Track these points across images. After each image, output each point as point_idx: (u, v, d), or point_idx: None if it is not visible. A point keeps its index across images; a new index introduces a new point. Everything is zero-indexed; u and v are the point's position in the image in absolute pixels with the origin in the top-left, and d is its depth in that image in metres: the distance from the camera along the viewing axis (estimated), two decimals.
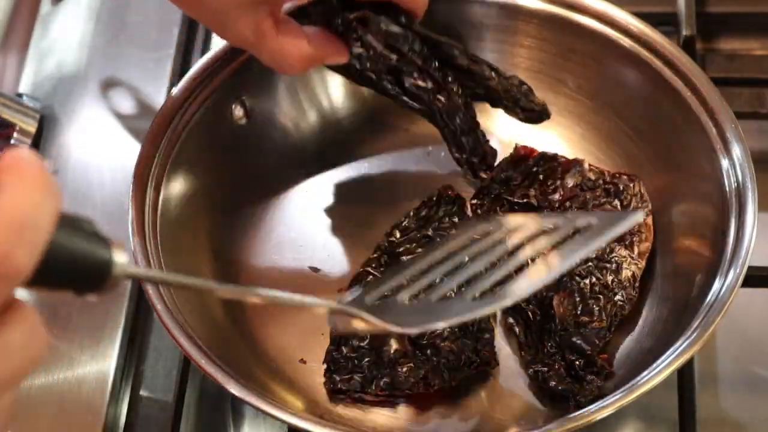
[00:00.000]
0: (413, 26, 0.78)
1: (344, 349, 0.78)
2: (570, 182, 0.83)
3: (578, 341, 0.76)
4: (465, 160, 0.84)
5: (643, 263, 0.79)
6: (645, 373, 0.71)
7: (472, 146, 0.83)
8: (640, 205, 0.81)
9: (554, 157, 0.84)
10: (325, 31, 0.79)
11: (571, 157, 0.85)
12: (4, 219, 0.48)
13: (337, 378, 0.77)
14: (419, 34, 0.79)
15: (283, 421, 0.71)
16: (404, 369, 0.77)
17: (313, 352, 0.80)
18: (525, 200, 0.83)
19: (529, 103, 0.82)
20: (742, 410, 0.80)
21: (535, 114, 0.83)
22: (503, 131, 0.88)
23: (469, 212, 0.84)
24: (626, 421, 0.79)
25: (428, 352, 0.77)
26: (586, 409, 0.71)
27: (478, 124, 0.83)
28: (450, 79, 0.80)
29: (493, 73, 0.81)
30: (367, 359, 0.77)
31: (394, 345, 0.78)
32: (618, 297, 0.78)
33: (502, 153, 0.86)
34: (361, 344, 0.78)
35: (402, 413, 0.78)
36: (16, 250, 0.48)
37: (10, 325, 0.49)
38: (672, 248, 0.81)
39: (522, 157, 0.85)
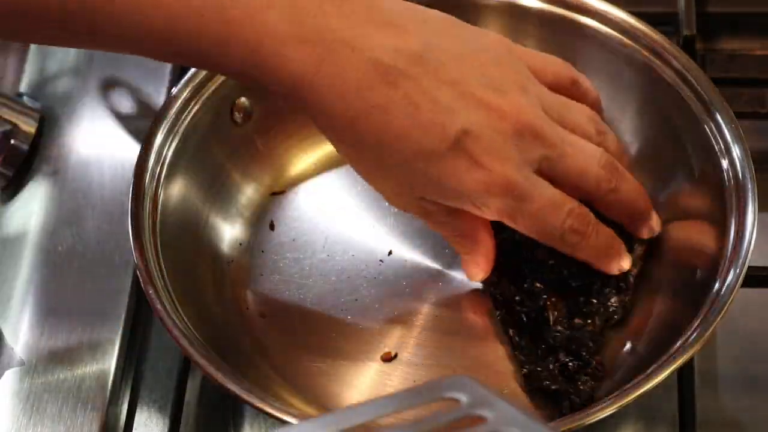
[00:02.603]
0: None
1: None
2: None
3: (571, 343, 0.76)
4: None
5: (637, 268, 0.79)
6: (645, 373, 0.71)
7: None
8: None
9: None
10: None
11: None
12: None
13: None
14: None
15: (283, 421, 0.71)
16: None
17: (315, 352, 0.80)
18: None
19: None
20: (742, 410, 0.80)
21: None
22: None
23: None
24: (626, 421, 0.79)
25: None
26: (586, 409, 0.71)
27: None
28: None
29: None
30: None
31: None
32: (611, 301, 0.78)
33: None
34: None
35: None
36: None
37: None
38: (672, 248, 0.80)
39: None
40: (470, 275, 0.80)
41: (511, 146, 0.72)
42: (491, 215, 0.74)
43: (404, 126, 0.70)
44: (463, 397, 0.56)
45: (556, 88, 0.77)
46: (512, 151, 0.72)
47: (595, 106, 0.80)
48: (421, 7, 0.74)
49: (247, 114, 0.86)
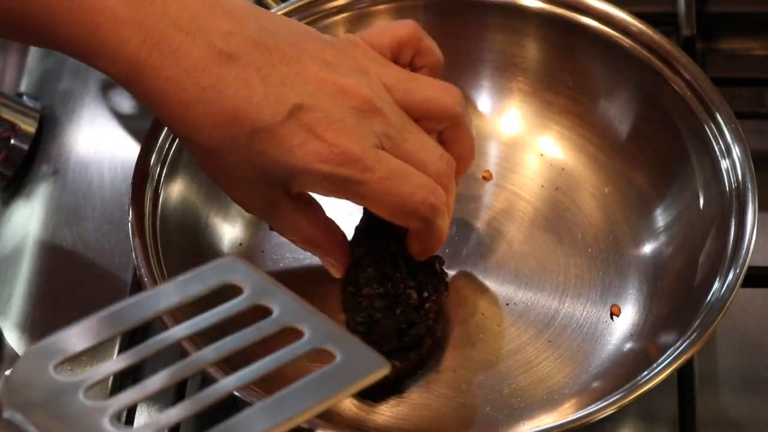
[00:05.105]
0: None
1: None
2: None
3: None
4: None
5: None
6: (645, 373, 0.71)
7: None
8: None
9: None
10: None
11: (572, 158, 0.85)
12: None
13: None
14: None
15: None
16: None
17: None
18: None
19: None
20: (742, 410, 0.80)
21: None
22: (504, 131, 0.88)
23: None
24: (626, 421, 0.79)
25: None
26: (586, 409, 0.71)
27: None
28: None
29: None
30: None
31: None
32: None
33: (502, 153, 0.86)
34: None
35: (402, 413, 0.78)
36: None
37: None
38: (671, 248, 0.81)
39: None
40: (331, 271, 0.79)
41: (350, 119, 0.70)
42: (332, 190, 0.72)
43: (237, 105, 0.69)
44: (246, 286, 0.54)
45: (398, 50, 0.76)
46: (351, 123, 0.70)
47: (437, 68, 0.77)
48: (261, 8, 0.75)
49: None
